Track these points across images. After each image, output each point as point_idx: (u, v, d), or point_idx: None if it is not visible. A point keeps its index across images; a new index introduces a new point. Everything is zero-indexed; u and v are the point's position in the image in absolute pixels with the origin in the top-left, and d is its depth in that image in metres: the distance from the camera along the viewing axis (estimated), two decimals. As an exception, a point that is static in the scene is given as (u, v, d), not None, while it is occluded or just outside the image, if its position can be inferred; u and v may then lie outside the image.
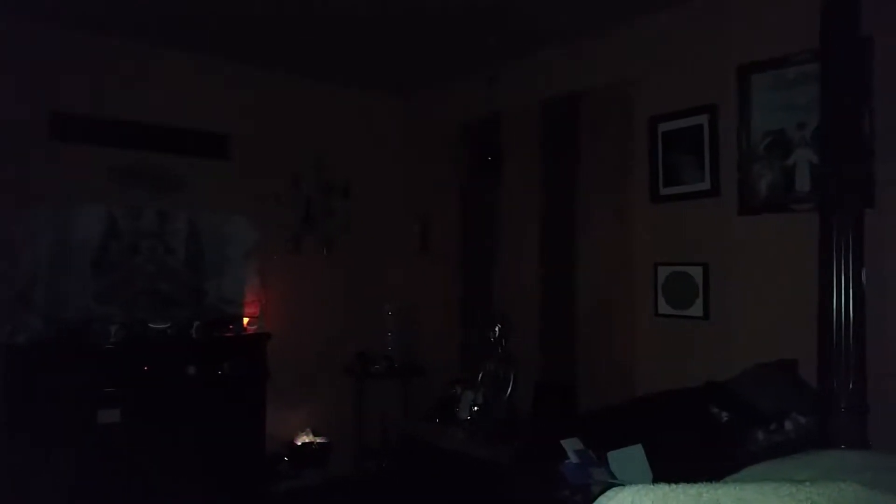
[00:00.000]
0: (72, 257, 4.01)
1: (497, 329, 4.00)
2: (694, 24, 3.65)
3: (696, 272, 3.55)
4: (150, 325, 4.09)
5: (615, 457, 2.65)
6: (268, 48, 4.45)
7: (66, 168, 4.02)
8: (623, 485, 1.26)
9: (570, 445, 2.75)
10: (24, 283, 3.84)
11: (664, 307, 3.69)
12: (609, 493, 1.24)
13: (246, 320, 4.49)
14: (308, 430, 4.83)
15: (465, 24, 3.98)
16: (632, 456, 2.65)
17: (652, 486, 1.26)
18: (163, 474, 3.75)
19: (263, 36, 4.22)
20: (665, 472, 2.31)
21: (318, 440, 4.80)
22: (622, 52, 3.99)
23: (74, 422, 3.59)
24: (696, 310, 3.54)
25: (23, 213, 3.87)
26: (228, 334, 4.34)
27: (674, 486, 1.27)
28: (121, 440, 3.68)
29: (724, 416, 2.78)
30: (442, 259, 5.13)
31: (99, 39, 4.16)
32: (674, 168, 3.71)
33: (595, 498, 1.25)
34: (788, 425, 2.63)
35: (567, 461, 2.69)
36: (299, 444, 4.75)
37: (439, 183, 5.16)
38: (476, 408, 3.90)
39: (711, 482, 1.33)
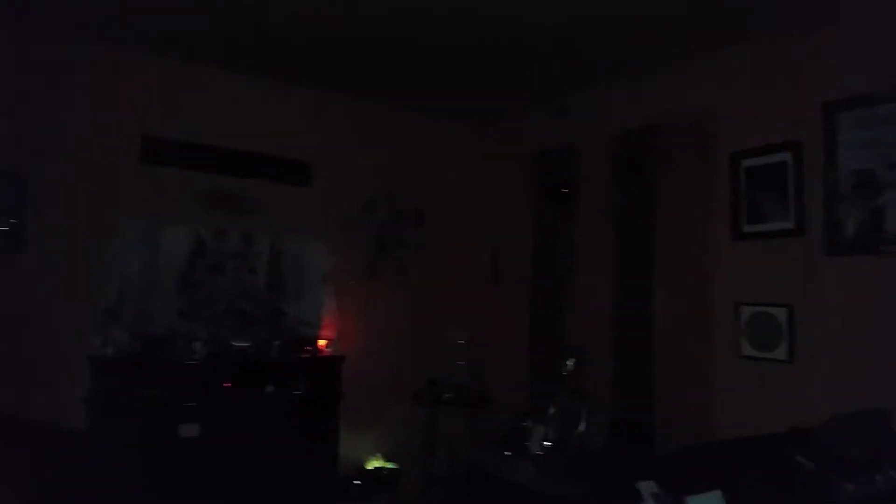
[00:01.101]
0: (159, 275, 4.19)
1: (570, 363, 3.96)
2: (778, 58, 3.59)
3: (781, 313, 3.46)
4: (232, 342, 4.23)
5: (694, 502, 2.58)
6: (347, 77, 4.60)
7: (155, 190, 4.22)
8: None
9: (646, 488, 2.68)
10: (114, 300, 4.03)
11: (747, 348, 3.59)
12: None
13: (322, 342, 4.58)
14: (379, 454, 4.87)
15: (540, 55, 4.02)
16: (711, 503, 2.58)
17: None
18: (238, 490, 3.85)
19: (343, 65, 4.36)
20: (747, 521, 2.24)
21: (389, 465, 4.83)
22: (703, 84, 3.95)
23: (156, 434, 3.73)
24: (781, 352, 3.44)
25: (114, 233, 4.07)
26: (305, 355, 4.45)
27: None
28: (200, 454, 3.80)
29: (810, 465, 2.68)
30: (513, 289, 5.14)
31: (188, 67, 4.39)
32: (757, 205, 3.64)
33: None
34: (880, 479, 2.51)
35: (642, 504, 2.64)
36: (370, 468, 4.79)
37: (511, 213, 5.19)
38: (547, 443, 3.86)
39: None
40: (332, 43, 4.00)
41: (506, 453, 4.04)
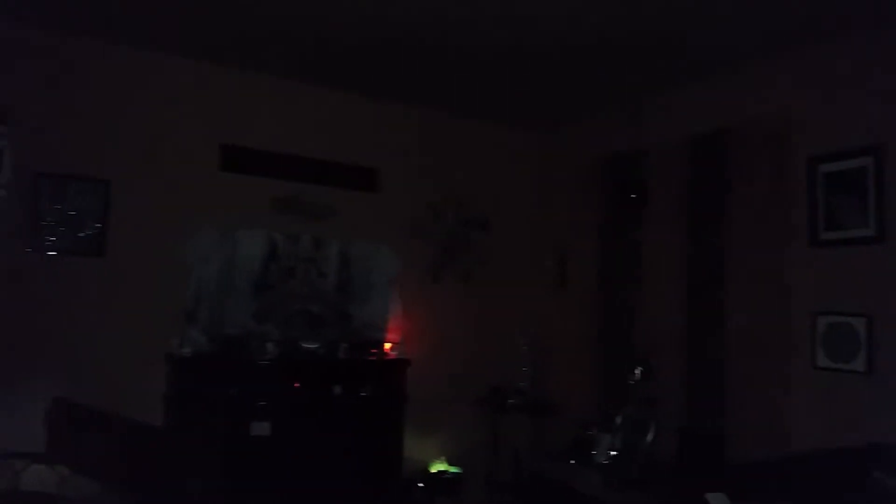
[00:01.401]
0: (235, 278, 4.34)
1: (638, 371, 3.91)
2: (859, 58, 3.47)
3: (859, 323, 3.33)
4: (302, 344, 4.34)
5: (766, 515, 2.52)
6: (415, 86, 4.68)
7: (232, 196, 4.39)
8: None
9: (717, 500, 2.64)
10: (192, 301, 4.19)
11: (823, 359, 3.47)
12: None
13: (388, 345, 4.65)
14: (443, 458, 4.90)
15: (608, 57, 3.98)
16: (785, 516, 2.51)
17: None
18: (304, 489, 3.93)
19: (411, 74, 4.44)
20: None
21: (452, 469, 4.86)
22: (780, 85, 3.84)
23: (229, 431, 3.85)
24: (859, 364, 3.31)
25: (193, 237, 4.24)
26: (372, 357, 4.52)
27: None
28: (270, 452, 3.91)
29: (890, 482, 2.58)
30: (579, 295, 5.10)
31: (264, 78, 4.55)
32: (835, 212, 3.52)
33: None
34: (968, 499, 2.40)
35: (713, 516, 2.59)
36: (433, 471, 4.83)
37: (578, 218, 5.15)
38: (614, 452, 3.81)
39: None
40: (401, 53, 4.08)
41: (571, 462, 4.01)
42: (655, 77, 4.26)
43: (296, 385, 4.08)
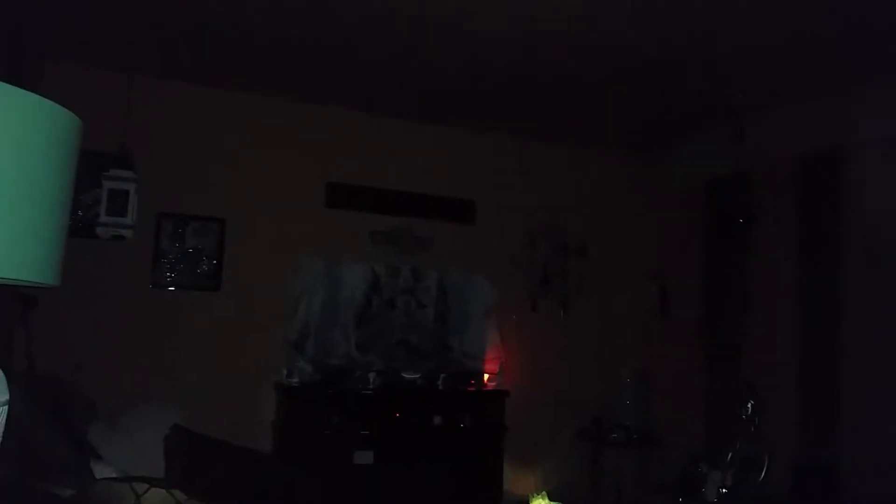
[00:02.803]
0: (339, 309, 4.48)
1: (749, 405, 3.73)
2: None
3: None
4: (402, 374, 4.42)
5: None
6: (509, 115, 4.73)
7: (336, 231, 4.57)
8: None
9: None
10: (298, 332, 4.36)
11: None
12: None
13: (486, 376, 4.66)
14: (543, 492, 4.81)
15: (713, 76, 3.89)
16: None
17: None
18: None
19: (504, 103, 4.51)
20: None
21: (552, 504, 4.76)
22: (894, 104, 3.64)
23: (333, 459, 3.95)
24: None
25: (300, 271, 4.42)
26: (470, 388, 4.55)
27: None
28: (372, 481, 3.97)
29: None
30: (682, 324, 4.95)
31: (365, 117, 4.71)
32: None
33: None
34: None
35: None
36: (533, 504, 4.75)
37: (679, 245, 5.02)
38: (724, 490, 3.63)
39: None
40: (495, 83, 4.14)
41: (678, 499, 3.85)
42: (759, 97, 4.12)
43: (397, 415, 4.15)
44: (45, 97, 1.05)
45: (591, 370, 5.08)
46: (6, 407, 1.11)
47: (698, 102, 4.34)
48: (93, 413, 3.49)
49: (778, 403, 3.93)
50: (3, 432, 1.11)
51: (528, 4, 3.15)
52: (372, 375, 4.24)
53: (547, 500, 4.89)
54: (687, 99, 4.28)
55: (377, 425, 4.08)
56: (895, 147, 3.60)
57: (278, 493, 3.79)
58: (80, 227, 3.84)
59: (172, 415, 3.93)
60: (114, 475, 3.36)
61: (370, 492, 3.96)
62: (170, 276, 4.25)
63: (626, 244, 5.40)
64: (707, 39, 3.46)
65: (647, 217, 5.41)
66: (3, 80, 0.99)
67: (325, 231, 4.54)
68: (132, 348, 4.04)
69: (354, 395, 4.16)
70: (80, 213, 3.93)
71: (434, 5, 3.19)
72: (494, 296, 4.88)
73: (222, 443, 3.89)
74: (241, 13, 3.36)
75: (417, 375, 4.42)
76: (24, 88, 1.02)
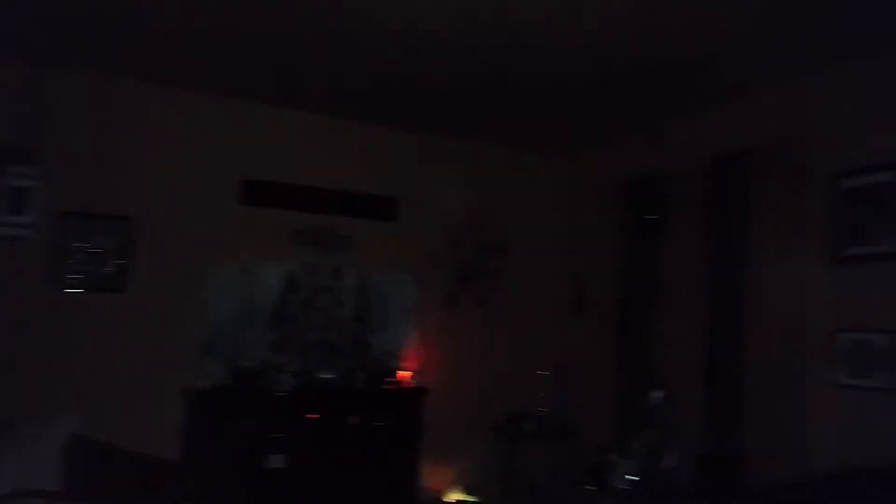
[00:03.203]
0: (253, 310, 4.40)
1: (656, 395, 3.83)
2: (879, 74, 3.43)
3: (881, 340, 3.24)
4: (319, 374, 4.36)
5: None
6: (432, 114, 4.72)
7: (251, 229, 4.47)
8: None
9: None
10: (210, 334, 4.25)
11: (845, 377, 3.38)
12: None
13: (405, 374, 4.64)
14: (460, 487, 4.85)
15: (628, 82, 3.98)
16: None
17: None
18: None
19: (427, 102, 4.49)
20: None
21: (470, 499, 4.79)
22: (800, 104, 3.81)
23: (245, 463, 3.86)
24: (881, 381, 3.21)
25: (212, 271, 4.31)
26: (389, 386, 4.52)
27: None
28: (286, 485, 3.91)
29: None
30: (598, 320, 5.04)
31: (281, 112, 4.63)
32: (857, 228, 3.44)
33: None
34: None
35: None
36: (450, 500, 4.77)
37: (597, 242, 5.12)
38: (633, 478, 3.72)
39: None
40: (418, 82, 4.12)
41: (589, 488, 3.93)
42: (675, 101, 4.25)
43: (312, 416, 4.08)
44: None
45: (510, 366, 5.13)
46: None
47: (618, 106, 4.42)
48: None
49: (686, 394, 4.06)
50: None
51: (455, 6, 3.15)
52: (286, 376, 4.16)
53: (463, 495, 4.97)
54: (607, 102, 4.36)
55: (291, 427, 4.01)
56: (793, 147, 3.74)
57: (188, 501, 3.69)
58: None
59: (74, 424, 3.78)
60: (6, 491, 3.20)
61: (283, 496, 3.89)
62: (74, 278, 4.08)
63: (545, 242, 5.48)
64: (629, 47, 3.54)
65: (567, 215, 5.50)
66: None
67: (239, 229, 4.43)
68: (29, 354, 3.86)
69: (267, 397, 4.08)
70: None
71: (361, 2, 3.15)
72: (415, 293, 4.88)
73: (128, 451, 3.77)
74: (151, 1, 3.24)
75: (334, 375, 4.37)
76: None
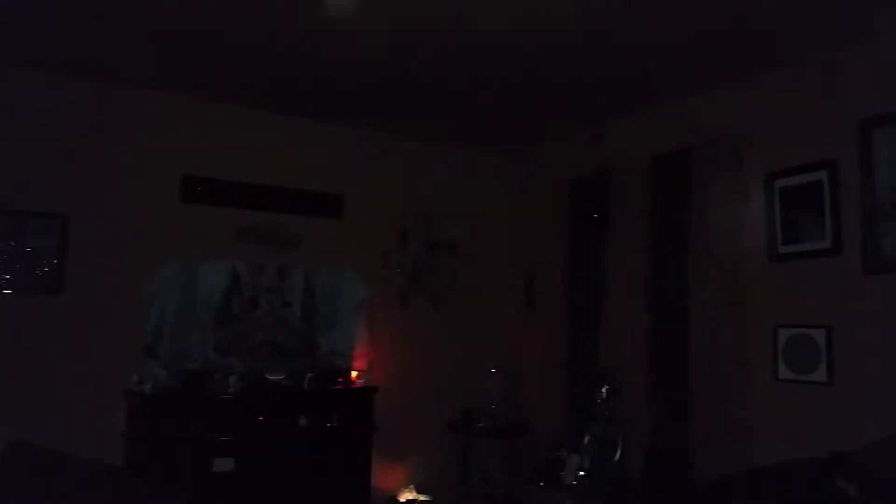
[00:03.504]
0: (197, 311, 4.28)
1: (604, 390, 3.90)
2: (811, 79, 3.56)
3: (819, 335, 3.36)
4: (267, 376, 4.27)
5: (731, 530, 2.50)
6: (379, 111, 4.68)
7: (193, 228, 4.34)
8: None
9: (682, 516, 2.62)
10: (152, 336, 4.12)
11: (785, 371, 3.50)
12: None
13: (355, 374, 4.60)
14: (412, 486, 4.83)
15: (574, 82, 4.03)
16: (749, 530, 2.49)
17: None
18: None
19: (374, 99, 4.44)
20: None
21: (422, 498, 4.78)
22: (736, 106, 3.92)
23: (191, 468, 3.75)
24: (820, 375, 3.34)
25: (153, 271, 4.17)
26: (338, 387, 4.47)
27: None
28: (233, 489, 3.81)
29: (853, 490, 2.57)
30: (547, 316, 5.10)
31: (224, 107, 4.51)
32: (793, 226, 3.57)
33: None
34: (928, 505, 2.40)
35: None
36: (403, 500, 4.75)
37: (545, 240, 5.17)
38: (583, 472, 3.78)
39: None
40: (363, 79, 4.08)
41: (540, 484, 3.97)
42: (617, 101, 4.32)
43: (259, 418, 4.00)
44: None
45: (461, 363, 5.14)
46: None
47: (564, 105, 4.48)
48: None
49: (633, 389, 4.14)
50: None
51: (402, 3, 3.12)
52: (233, 378, 4.06)
53: (415, 494, 4.96)
54: (552, 102, 4.41)
55: (239, 430, 3.91)
56: (732, 147, 3.85)
57: (129, 506, 3.57)
58: None
59: (9, 430, 3.62)
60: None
61: (232, 500, 3.80)
62: (4, 279, 3.89)
63: (495, 240, 5.51)
64: (569, 50, 3.59)
65: (516, 213, 5.55)
66: None
67: (181, 227, 4.29)
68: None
69: (213, 399, 3.97)
70: None
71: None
72: (364, 292, 4.84)
73: (68, 457, 3.62)
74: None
75: (282, 376, 4.29)
76: None
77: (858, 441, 2.78)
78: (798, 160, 3.55)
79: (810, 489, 2.69)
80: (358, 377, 4.59)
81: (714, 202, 3.93)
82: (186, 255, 4.27)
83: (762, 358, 3.60)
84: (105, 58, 3.88)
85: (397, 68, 3.90)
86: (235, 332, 4.36)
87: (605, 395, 3.90)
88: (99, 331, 4.02)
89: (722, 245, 3.86)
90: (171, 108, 4.37)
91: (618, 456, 3.74)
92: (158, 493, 3.62)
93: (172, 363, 4.08)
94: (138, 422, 3.82)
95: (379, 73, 3.96)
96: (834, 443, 2.86)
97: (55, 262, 4.00)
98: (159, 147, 4.32)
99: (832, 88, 3.42)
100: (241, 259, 4.45)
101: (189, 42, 3.63)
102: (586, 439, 3.87)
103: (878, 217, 3.13)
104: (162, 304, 4.17)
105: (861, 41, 3.22)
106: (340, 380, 4.51)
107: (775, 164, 3.65)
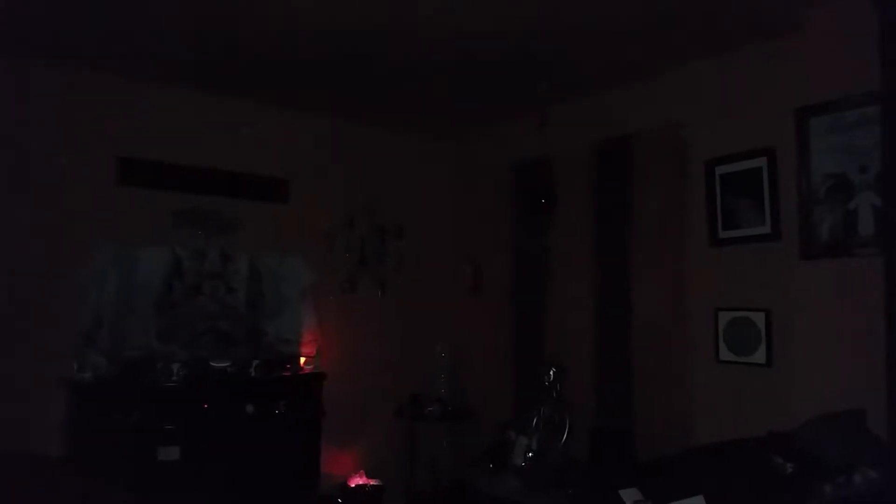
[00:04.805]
0: (135, 297, 4.15)
1: (551, 373, 3.96)
2: (750, 67, 3.64)
3: (759, 318, 3.48)
4: (211, 363, 4.18)
5: (675, 508, 2.57)
6: (323, 95, 4.60)
7: (131, 212, 4.19)
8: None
9: (629, 496, 2.69)
10: (90, 323, 3.98)
11: (725, 353, 3.62)
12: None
13: (302, 360, 4.55)
14: (361, 471, 4.83)
15: (518, 68, 4.05)
16: (693, 508, 2.57)
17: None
18: (219, 513, 3.80)
19: (318, 83, 4.37)
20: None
21: (372, 482, 4.79)
22: (677, 94, 3.99)
23: (135, 458, 3.67)
24: (759, 357, 3.46)
25: (90, 256, 4.02)
26: (286, 374, 4.41)
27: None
28: (179, 477, 3.74)
29: (789, 467, 2.68)
30: (493, 301, 5.13)
31: (162, 88, 4.35)
32: (733, 211, 3.67)
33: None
34: (858, 479, 2.52)
35: (625, 512, 2.63)
36: (353, 485, 4.75)
37: (491, 225, 5.19)
38: (530, 454, 3.83)
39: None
40: (307, 62, 4.00)
41: (489, 466, 4.02)
42: (560, 87, 4.34)
43: (205, 406, 3.92)
44: None
45: (409, 348, 5.15)
46: None
47: (507, 91, 4.48)
48: None
49: (579, 371, 4.21)
50: None
51: None
52: (176, 366, 3.95)
53: (365, 478, 4.95)
54: (495, 87, 4.41)
55: (183, 419, 3.82)
56: (672, 133, 3.92)
57: (73, 501, 3.46)
58: None
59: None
60: None
61: (177, 489, 3.72)
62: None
63: (441, 225, 5.51)
64: (512, 35, 3.59)
65: (462, 199, 5.55)
66: None
67: (117, 211, 4.13)
68: None
69: (156, 388, 3.87)
70: None
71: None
72: (310, 278, 4.78)
73: (6, 450, 3.49)
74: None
75: (227, 364, 4.20)
76: None
77: (795, 420, 2.90)
78: (737, 147, 3.64)
79: (748, 466, 2.79)
80: (306, 363, 4.54)
81: (655, 188, 4.01)
82: (124, 239, 4.13)
83: (703, 340, 3.71)
84: (35, 38, 3.70)
85: (343, 52, 3.83)
86: (178, 318, 4.25)
87: (551, 377, 3.95)
88: (35, 318, 3.86)
89: (664, 230, 3.95)
90: (109, 90, 4.19)
91: (564, 437, 3.80)
92: (96, 484, 3.53)
93: (112, 351, 3.96)
94: (79, 412, 3.71)
95: (325, 55, 3.88)
96: (772, 422, 2.98)
97: (-16, 247, 3.82)
98: (96, 128, 4.13)
99: (771, 77, 3.51)
100: (182, 244, 4.32)
101: (124, 19, 3.48)
102: (534, 421, 3.92)
103: (814, 203, 3.24)
104: (99, 289, 4.03)
105: (796, 30, 3.29)
106: (288, 366, 4.46)
107: (716, 150, 3.74)
